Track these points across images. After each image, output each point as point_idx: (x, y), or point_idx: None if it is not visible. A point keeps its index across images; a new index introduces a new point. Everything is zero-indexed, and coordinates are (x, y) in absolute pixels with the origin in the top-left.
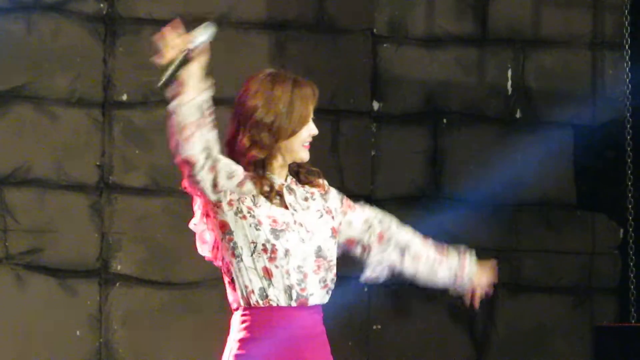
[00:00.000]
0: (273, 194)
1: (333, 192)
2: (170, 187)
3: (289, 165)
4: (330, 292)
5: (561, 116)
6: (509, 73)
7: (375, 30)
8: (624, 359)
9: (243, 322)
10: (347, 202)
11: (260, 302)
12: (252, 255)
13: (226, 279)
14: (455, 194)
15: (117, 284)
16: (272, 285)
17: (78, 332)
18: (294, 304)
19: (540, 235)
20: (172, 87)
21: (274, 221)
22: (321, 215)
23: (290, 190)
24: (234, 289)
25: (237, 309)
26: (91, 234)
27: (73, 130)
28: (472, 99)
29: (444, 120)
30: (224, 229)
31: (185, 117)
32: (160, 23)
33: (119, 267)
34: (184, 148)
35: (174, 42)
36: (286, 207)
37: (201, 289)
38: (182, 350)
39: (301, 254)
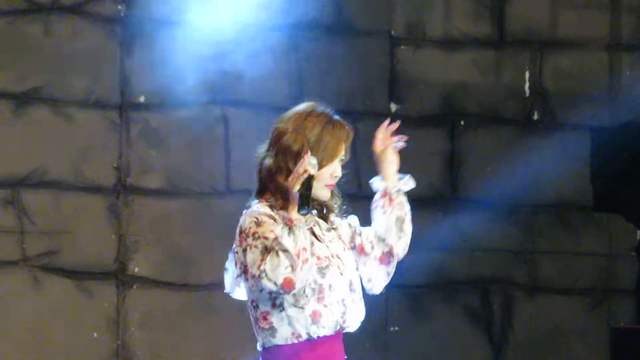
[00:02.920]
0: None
1: (343, 224)
2: (187, 188)
3: (318, 204)
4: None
5: (578, 118)
6: (527, 75)
7: (392, 32)
8: None
9: (291, 354)
10: (356, 225)
11: (310, 338)
12: (295, 305)
13: (259, 322)
14: (473, 195)
15: (135, 286)
16: (321, 325)
17: (95, 334)
18: (333, 332)
19: (557, 237)
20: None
21: (318, 258)
22: (344, 247)
23: (315, 222)
24: (273, 334)
25: (281, 344)
26: (108, 236)
27: (90, 132)
28: (489, 101)
29: (461, 122)
30: None
31: (300, 240)
32: (176, 25)
33: (136, 269)
34: (299, 274)
35: (306, 165)
36: (319, 240)
37: (218, 291)
38: (199, 352)
39: (341, 286)
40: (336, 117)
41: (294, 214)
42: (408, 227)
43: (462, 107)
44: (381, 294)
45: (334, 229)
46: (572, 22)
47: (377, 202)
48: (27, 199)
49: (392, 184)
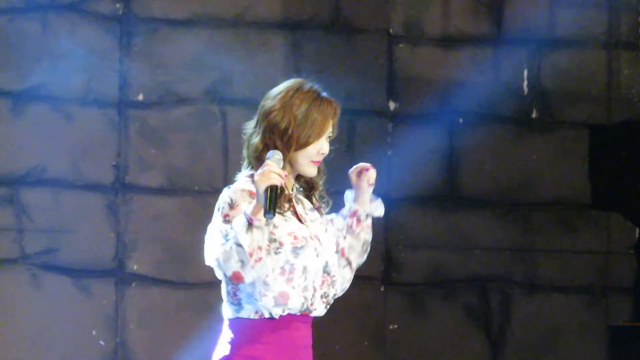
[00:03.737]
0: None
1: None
2: (186, 186)
3: (305, 181)
4: (328, 308)
5: (576, 116)
6: (525, 73)
7: (391, 30)
8: (639, 359)
9: (249, 327)
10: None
11: (272, 317)
12: (251, 295)
13: (229, 297)
14: (471, 193)
15: (133, 284)
16: (288, 307)
17: (94, 332)
18: (298, 313)
19: (556, 235)
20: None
21: (295, 237)
22: (326, 229)
23: (298, 200)
24: (239, 306)
25: (242, 317)
26: (107, 234)
27: (89, 130)
28: (487, 99)
29: (460, 120)
30: None
31: (257, 240)
32: (175, 23)
33: (134, 267)
34: (249, 272)
35: (277, 171)
36: (300, 220)
37: (217, 289)
38: (197, 350)
39: (314, 268)
40: (324, 93)
41: (258, 212)
42: (367, 252)
43: (460, 105)
44: (380, 292)
45: (317, 209)
46: (570, 20)
47: (345, 220)
48: (25, 197)
49: (363, 208)
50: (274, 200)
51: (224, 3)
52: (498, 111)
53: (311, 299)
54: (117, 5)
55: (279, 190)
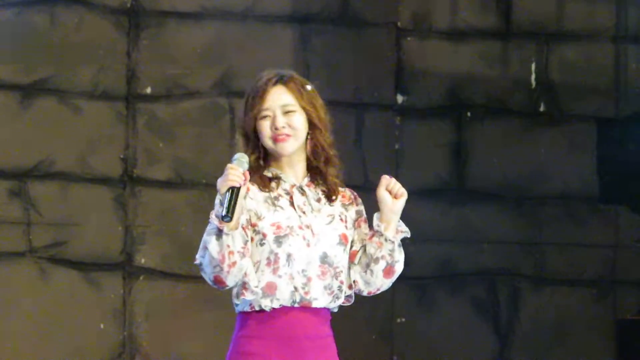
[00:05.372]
0: (279, 194)
1: (357, 206)
2: (194, 179)
3: (319, 173)
4: (339, 299)
5: (584, 109)
6: (533, 66)
7: (399, 23)
8: None
9: (246, 321)
10: (362, 218)
11: (263, 309)
12: (254, 275)
13: (232, 290)
14: (479, 187)
15: (141, 277)
16: (276, 298)
17: (102, 325)
18: (297, 305)
19: (564, 228)
20: (223, 214)
21: (278, 227)
22: (331, 221)
23: (302, 191)
24: (237, 303)
25: (240, 311)
26: (115, 227)
27: (97, 123)
28: (496, 92)
29: (468, 114)
30: None
31: (226, 245)
32: (184, 16)
33: (142, 261)
34: (227, 277)
35: (237, 173)
36: (294, 208)
37: None
38: (205, 343)
39: (305, 257)
40: (277, 71)
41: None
42: (378, 270)
43: (468, 98)
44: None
45: (334, 199)
46: (578, 13)
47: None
48: (33, 190)
49: (376, 222)
50: (232, 202)
51: None
52: (506, 104)
53: (304, 288)
54: None
55: (238, 192)
